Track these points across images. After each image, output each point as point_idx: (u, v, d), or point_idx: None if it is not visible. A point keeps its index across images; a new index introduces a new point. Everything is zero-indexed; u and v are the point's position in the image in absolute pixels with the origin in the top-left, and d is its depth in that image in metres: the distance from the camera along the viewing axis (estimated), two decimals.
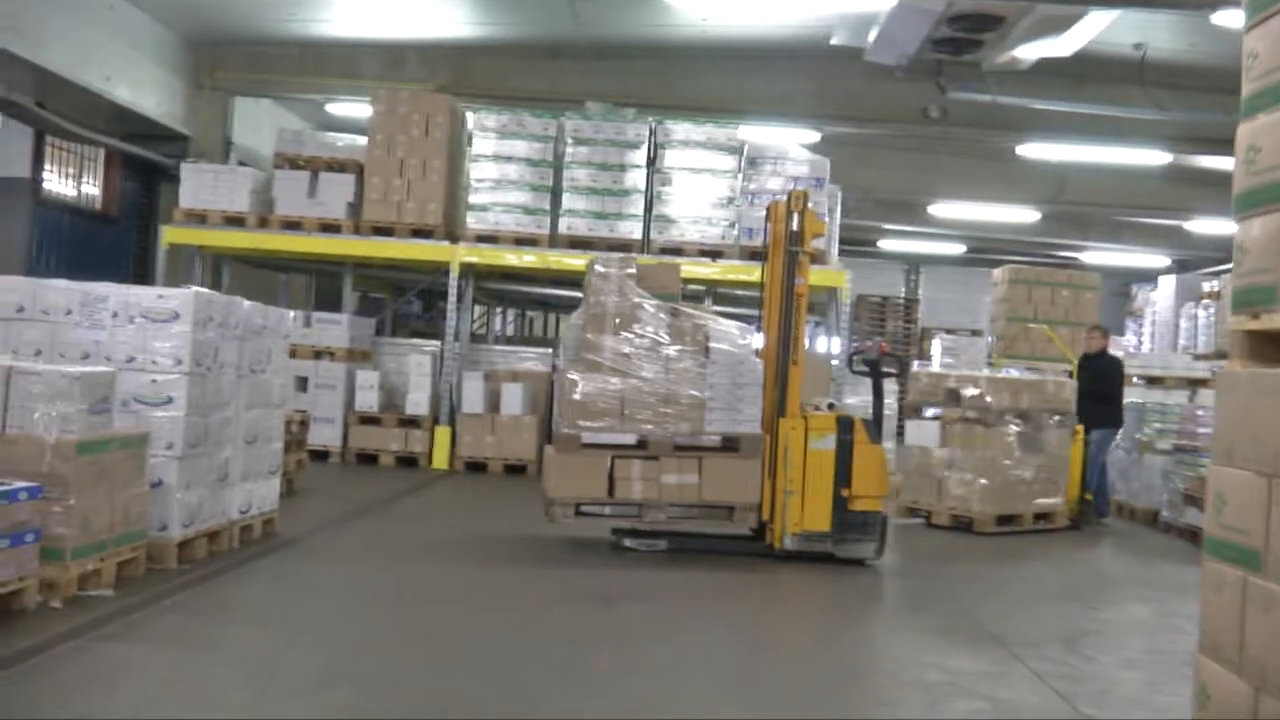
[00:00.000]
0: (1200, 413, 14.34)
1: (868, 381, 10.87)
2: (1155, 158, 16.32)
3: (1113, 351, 14.46)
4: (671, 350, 9.73)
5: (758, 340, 9.95)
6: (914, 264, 28.05)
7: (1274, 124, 5.01)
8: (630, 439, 9.63)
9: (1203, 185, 19.90)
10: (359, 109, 15.19)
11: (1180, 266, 24.63)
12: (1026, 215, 21.41)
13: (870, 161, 19.92)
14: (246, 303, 8.77)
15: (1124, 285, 26.63)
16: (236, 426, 8.66)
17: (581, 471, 9.57)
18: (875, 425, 9.97)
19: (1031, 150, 16.86)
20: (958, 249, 26.13)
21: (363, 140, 14.84)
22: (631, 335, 9.72)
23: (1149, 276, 24.85)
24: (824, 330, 16.42)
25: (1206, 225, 21.37)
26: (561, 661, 6.33)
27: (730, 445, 9.73)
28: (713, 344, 9.79)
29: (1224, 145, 16.29)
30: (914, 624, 8.05)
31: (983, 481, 12.19)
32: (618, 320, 9.75)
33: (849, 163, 18.90)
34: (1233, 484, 5.31)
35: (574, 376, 9.75)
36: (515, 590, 8.18)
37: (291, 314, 11.51)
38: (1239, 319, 5.58)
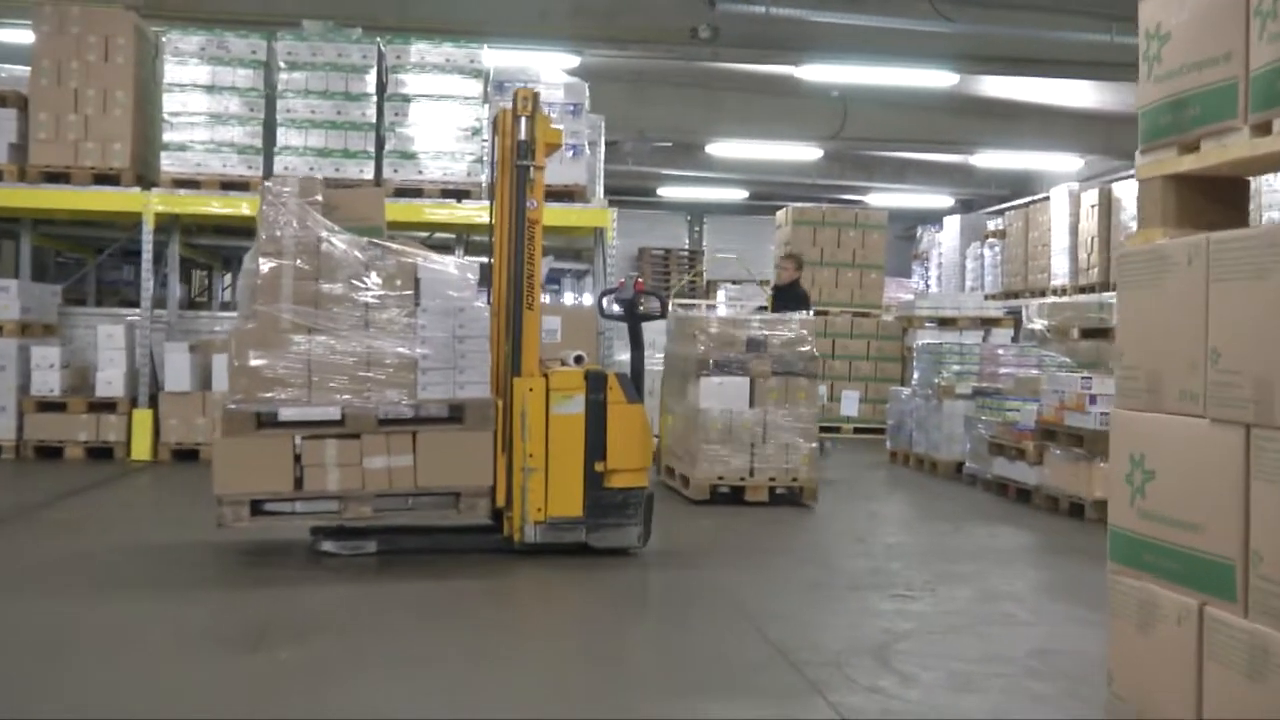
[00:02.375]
0: (1001, 351, 12.65)
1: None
2: (942, 80, 14.62)
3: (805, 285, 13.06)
4: (371, 297, 7.40)
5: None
6: (697, 213, 26.14)
7: None
8: (322, 414, 7.28)
9: (989, 116, 18.40)
10: (24, 35, 12.30)
11: (964, 206, 23.28)
12: (809, 153, 19.62)
13: (644, 98, 17.80)
14: None
15: (909, 228, 25.23)
16: None
17: (258, 459, 7.19)
18: (634, 380, 7.82)
19: (811, 72, 14.96)
20: (740, 194, 24.27)
21: (26, 70, 12.00)
22: (318, 279, 7.35)
23: (934, 218, 23.46)
24: (590, 279, 14.25)
25: (992, 159, 19.92)
26: None
27: (453, 415, 7.48)
28: (425, 287, 7.49)
29: (1013, 64, 14.64)
30: (676, 646, 5.91)
31: (809, 445, 10.09)
32: (299, 260, 7.36)
33: (621, 100, 16.75)
34: (1168, 440, 3.31)
35: (245, 336, 7.34)
36: (126, 633, 5.73)
37: None
38: (1157, 158, 3.55)
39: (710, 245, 24.78)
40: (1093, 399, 9.59)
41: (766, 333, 10.15)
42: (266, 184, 7.68)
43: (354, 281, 7.39)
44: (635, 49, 14.15)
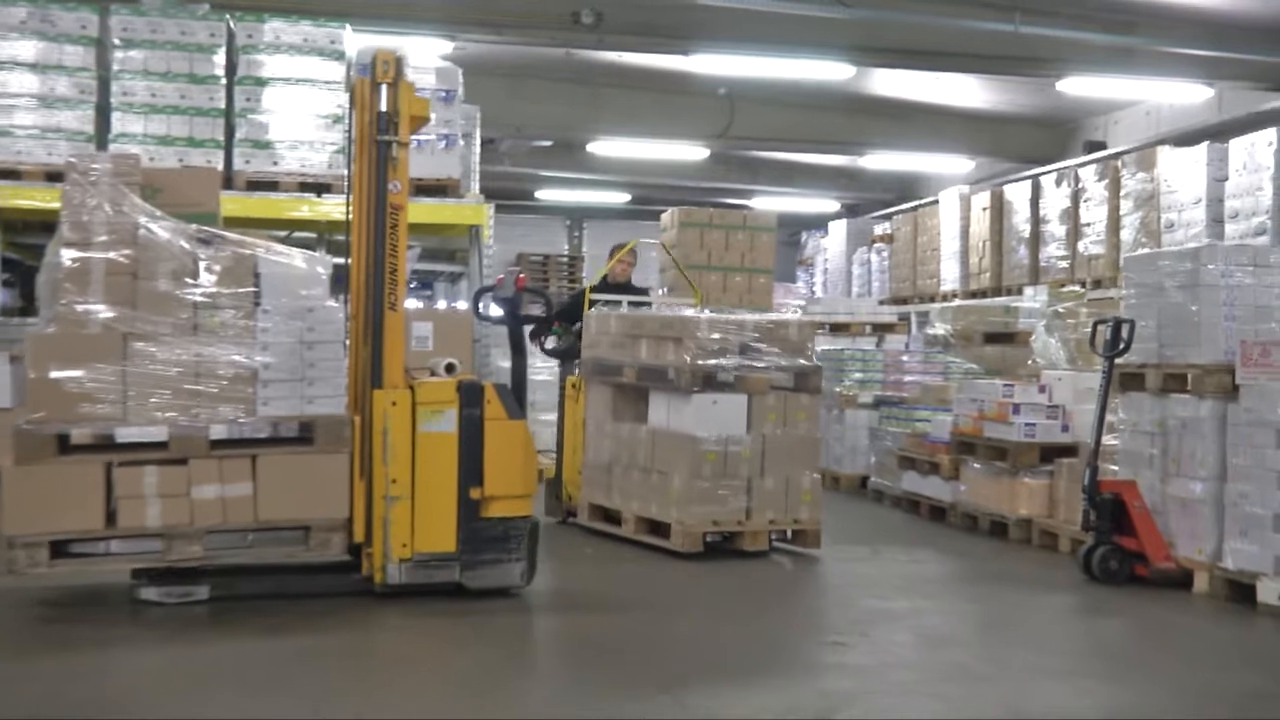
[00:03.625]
0: (905, 358, 11.71)
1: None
2: (838, 72, 13.66)
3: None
4: (201, 295, 6.11)
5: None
6: (576, 217, 24.95)
7: None
8: (141, 434, 5.97)
9: (879, 116, 17.52)
10: None
11: (850, 211, 22.44)
12: (694, 153, 18.55)
13: (522, 93, 16.55)
14: None
15: (793, 234, 24.34)
16: None
17: (60, 490, 5.87)
18: (516, 392, 6.64)
19: (702, 64, 13.90)
20: (622, 198, 23.13)
21: None
22: (136, 274, 6.03)
23: (819, 223, 22.59)
24: (465, 282, 13.00)
25: (881, 161, 19.08)
26: None
27: (301, 435, 6.24)
28: (267, 284, 6.22)
29: (912, 56, 13.67)
30: None
31: (812, 477, 8.07)
32: (112, 252, 6.04)
33: (498, 96, 15.47)
34: None
35: (45, 342, 5.99)
36: None
37: None
38: None
39: (591, 251, 23.61)
40: (1016, 409, 8.65)
41: (762, 338, 8.07)
42: (71, 159, 6.34)
43: (180, 277, 6.09)
44: (513, 35, 12.92)
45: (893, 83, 16.11)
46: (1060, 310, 11.04)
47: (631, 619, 6.24)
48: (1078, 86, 13.53)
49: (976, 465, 9.08)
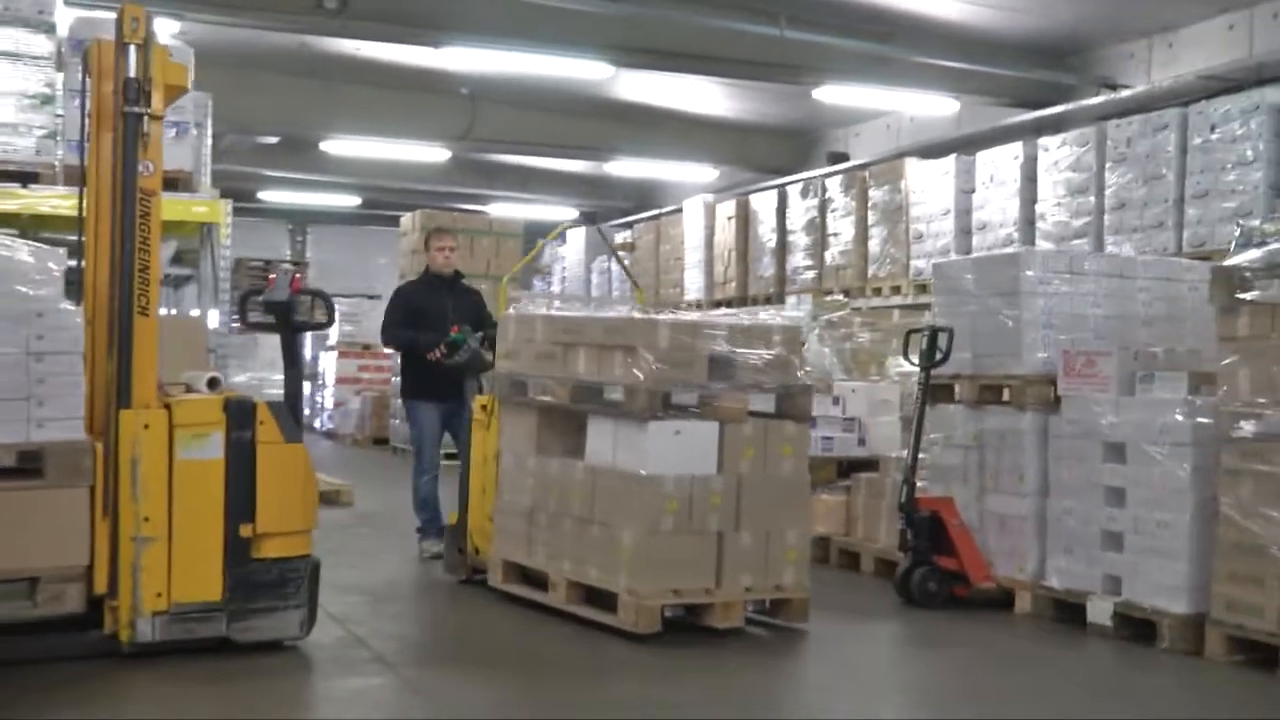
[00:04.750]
0: None
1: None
2: (594, 71, 13.02)
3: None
4: None
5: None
6: (300, 221, 23.49)
7: None
8: None
9: (625, 122, 17.01)
10: None
11: (588, 219, 21.90)
12: (434, 155, 17.56)
13: (251, 85, 15.16)
14: None
15: (528, 241, 23.66)
16: None
17: None
18: (292, 410, 5.64)
19: (454, 58, 12.98)
20: (352, 201, 21.86)
21: None
22: None
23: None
24: (195, 287, 11.68)
25: (626, 168, 18.60)
26: None
27: (26, 466, 5.07)
28: None
29: (673, 57, 13.18)
30: None
31: (800, 533, 6.23)
32: None
33: (225, 86, 13.99)
34: None
35: None
36: None
37: None
38: None
39: (316, 256, 22.28)
40: (812, 422, 8.17)
41: (739, 349, 6.09)
42: None
43: None
44: (249, 17, 11.68)
45: (640, 88, 15.64)
46: (833, 320, 10.73)
47: (435, 677, 5.33)
48: (833, 95, 13.38)
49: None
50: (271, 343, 15.13)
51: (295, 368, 5.86)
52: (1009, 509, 6.72)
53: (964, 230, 12.42)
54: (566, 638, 5.94)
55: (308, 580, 5.49)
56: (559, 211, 21.98)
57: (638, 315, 6.32)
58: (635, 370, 5.92)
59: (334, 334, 18.64)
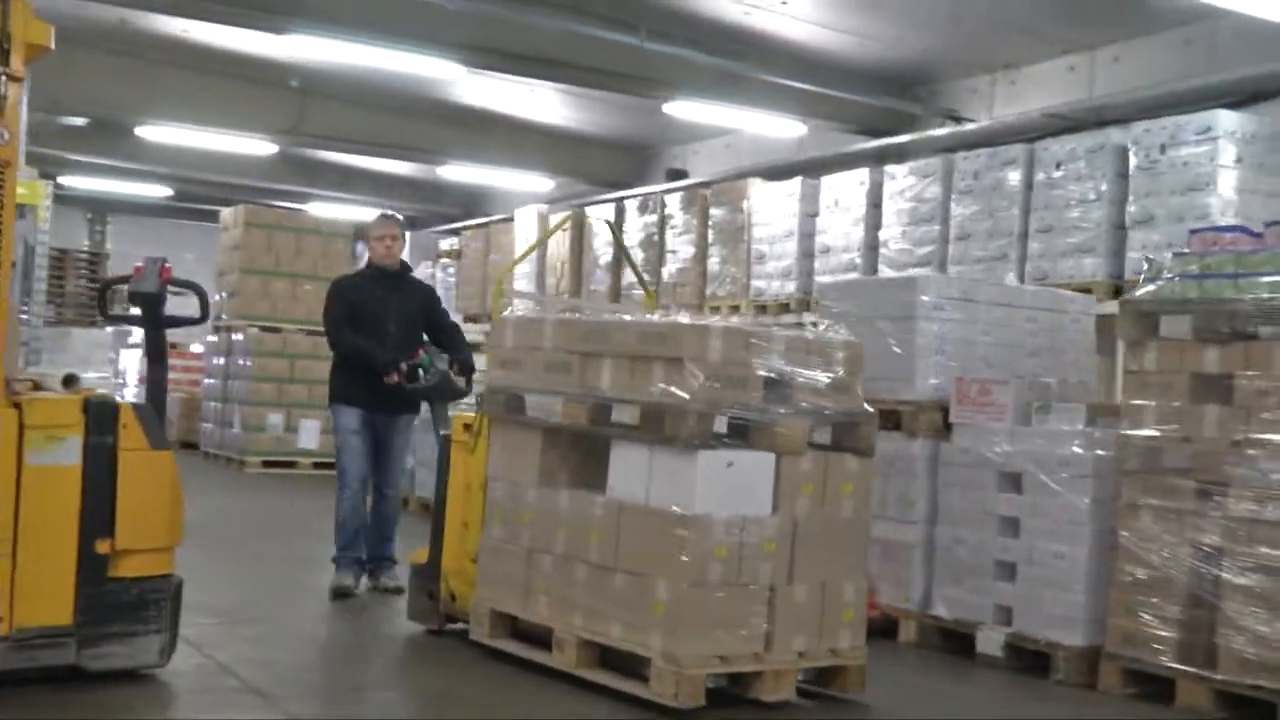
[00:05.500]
0: None
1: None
2: (446, 71, 12.49)
3: None
4: None
5: None
6: (101, 210, 22.11)
7: None
8: None
9: (460, 125, 16.50)
10: None
11: (411, 224, 21.25)
12: (258, 148, 16.67)
13: (62, 63, 14.03)
14: None
15: (348, 244, 22.81)
16: None
17: None
18: (157, 413, 5.06)
19: (275, 49, 12.31)
20: (162, 192, 20.64)
21: None
22: None
23: None
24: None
25: (457, 173, 18.05)
26: None
27: None
28: None
29: (526, 61, 12.76)
30: None
31: (857, 588, 5.34)
32: None
33: (32, 64, 13.06)
34: None
35: None
36: None
37: None
38: None
39: (117, 248, 20.97)
40: None
41: (797, 367, 5.20)
42: None
43: None
44: None
45: (478, 92, 15.20)
46: None
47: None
48: (683, 111, 13.21)
49: None
50: (87, 338, 14.13)
51: (161, 365, 5.27)
52: (896, 536, 6.59)
53: (806, 253, 12.42)
54: (576, 710, 4.94)
55: (170, 601, 4.93)
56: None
57: (688, 320, 5.31)
58: (679, 388, 4.96)
59: (137, 332, 17.56)
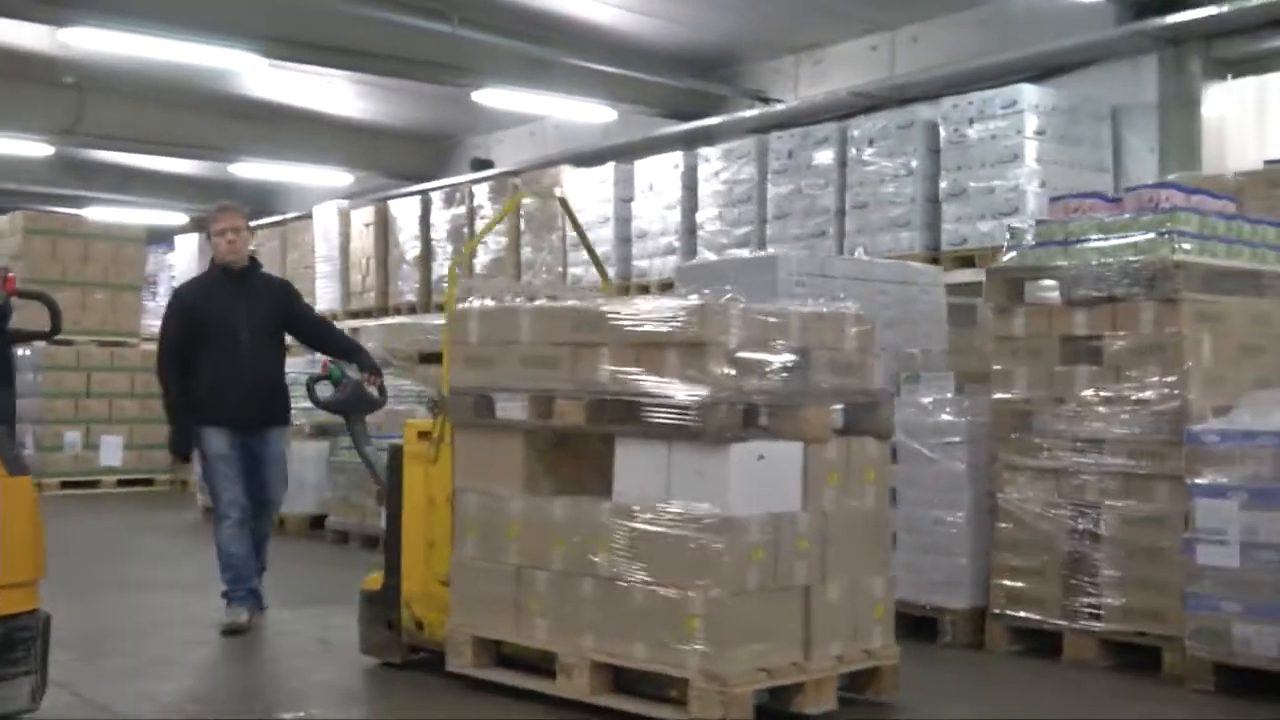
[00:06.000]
0: None
1: None
2: (246, 63, 11.89)
3: None
4: None
5: None
6: None
7: None
8: None
9: (252, 120, 15.78)
10: None
11: (198, 225, 20.29)
12: (32, 149, 15.58)
13: None
14: None
15: (140, 249, 21.65)
16: None
17: None
18: (8, 437, 4.61)
19: (60, 41, 11.50)
20: None
21: None
22: None
23: (163, 236, 20.20)
24: None
25: (248, 170, 17.28)
26: None
27: None
28: None
29: (333, 52, 12.17)
30: None
31: (885, 581, 5.07)
32: None
33: None
34: None
35: None
36: None
37: None
38: None
39: None
40: None
41: (813, 346, 4.84)
42: None
43: None
44: None
45: (271, 85, 14.61)
46: None
47: None
48: (493, 99, 12.96)
49: None
50: None
51: (10, 386, 4.79)
52: None
53: (623, 238, 12.40)
54: None
55: (38, 641, 4.49)
56: (165, 216, 20.25)
57: (703, 303, 4.64)
58: (701, 376, 4.48)
59: None
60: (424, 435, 5.50)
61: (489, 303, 5.46)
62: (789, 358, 4.67)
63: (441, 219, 14.37)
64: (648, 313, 4.72)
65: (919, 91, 10.95)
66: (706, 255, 11.32)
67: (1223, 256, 5.41)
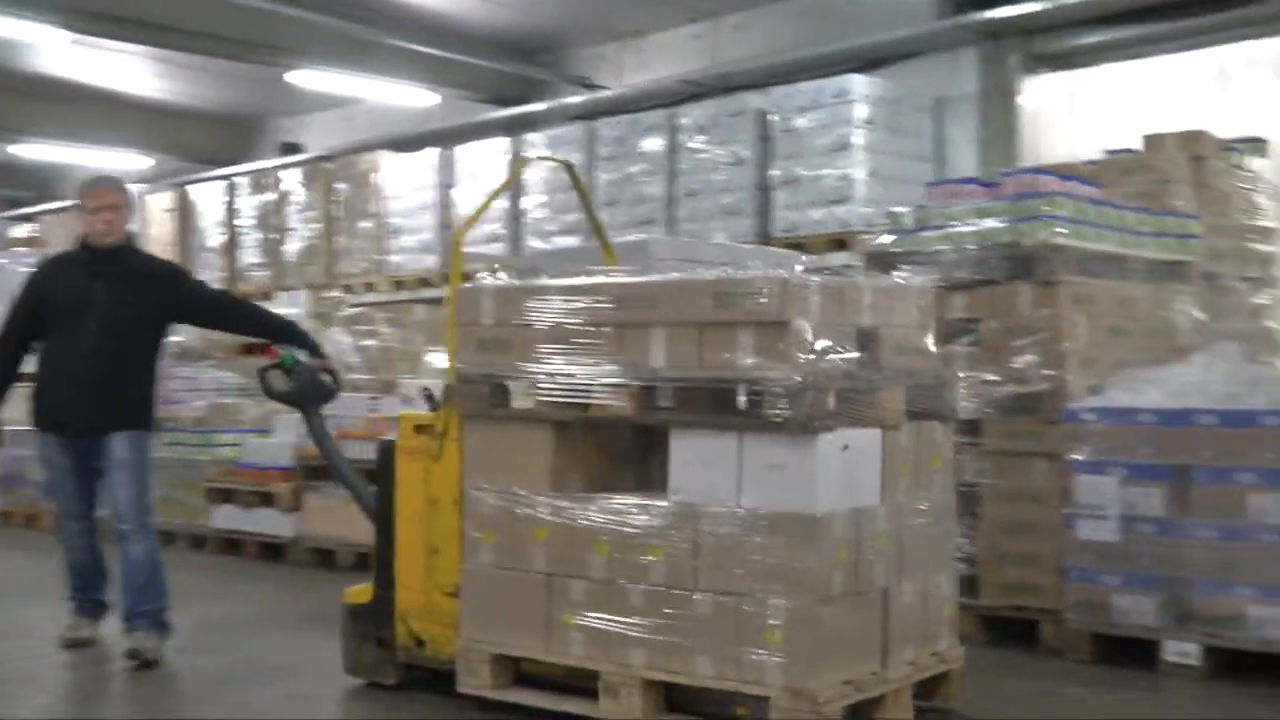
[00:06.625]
0: (184, 375, 9.82)
1: None
2: (51, 38, 10.99)
3: None
4: None
5: None
6: None
7: None
8: None
9: (38, 99, 14.77)
10: None
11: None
12: None
13: None
14: None
15: None
16: None
17: None
18: None
19: None
20: None
21: None
22: None
23: None
24: None
25: (30, 151, 16.16)
26: None
27: None
28: None
29: (130, 27, 11.54)
30: None
31: (950, 578, 4.72)
32: None
33: None
34: None
35: None
36: None
37: None
38: None
39: None
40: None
41: (882, 324, 4.34)
42: None
43: None
44: None
45: (62, 62, 13.69)
46: (354, 314, 9.93)
47: None
48: (307, 80, 12.44)
49: (326, 492, 7.71)
50: None
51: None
52: None
53: (446, 225, 12.07)
54: None
55: None
56: None
57: (774, 273, 4.09)
58: (780, 359, 3.93)
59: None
60: (421, 429, 4.83)
61: (502, 278, 4.81)
62: (863, 336, 4.22)
63: (248, 205, 13.73)
64: (715, 286, 4.14)
65: (744, 80, 10.97)
66: (533, 243, 11.13)
67: (1093, 241, 5.55)
